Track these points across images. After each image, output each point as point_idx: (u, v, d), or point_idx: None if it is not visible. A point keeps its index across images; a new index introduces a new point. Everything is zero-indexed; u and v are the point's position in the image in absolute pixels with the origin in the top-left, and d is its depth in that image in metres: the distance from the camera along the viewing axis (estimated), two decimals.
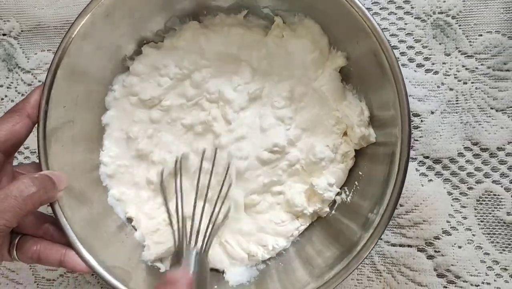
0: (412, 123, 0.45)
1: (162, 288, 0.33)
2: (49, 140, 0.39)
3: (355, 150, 0.44)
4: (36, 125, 0.39)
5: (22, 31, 0.52)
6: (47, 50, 0.52)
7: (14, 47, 0.53)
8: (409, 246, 0.46)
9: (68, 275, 0.51)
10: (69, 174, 0.40)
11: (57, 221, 0.39)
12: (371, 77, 0.40)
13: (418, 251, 0.46)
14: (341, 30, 0.42)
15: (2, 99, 0.53)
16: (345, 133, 0.45)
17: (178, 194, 0.41)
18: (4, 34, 0.53)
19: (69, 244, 0.39)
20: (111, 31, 0.42)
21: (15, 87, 0.53)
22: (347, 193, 0.44)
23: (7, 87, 0.53)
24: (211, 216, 0.41)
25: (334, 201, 0.45)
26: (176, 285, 0.32)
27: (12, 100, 0.53)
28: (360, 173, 0.44)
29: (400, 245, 0.46)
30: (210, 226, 0.40)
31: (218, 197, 0.42)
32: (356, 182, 0.44)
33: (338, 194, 0.45)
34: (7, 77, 0.53)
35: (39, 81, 0.52)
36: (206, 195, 0.41)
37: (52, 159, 0.39)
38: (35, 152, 0.52)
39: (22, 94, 0.52)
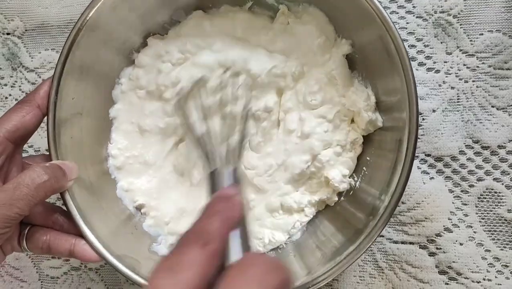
0: None
1: (218, 203, 0.29)
2: (58, 131, 0.40)
3: (363, 137, 0.44)
4: (46, 116, 0.40)
5: (26, 30, 0.53)
6: (51, 49, 0.52)
7: (18, 46, 0.53)
8: (411, 243, 0.46)
9: (72, 273, 0.52)
10: (78, 165, 0.40)
11: (67, 210, 0.39)
12: (377, 62, 0.40)
13: (420, 248, 0.46)
14: (346, 17, 0.42)
15: (7, 98, 0.53)
16: (352, 121, 0.45)
17: (202, 112, 0.41)
18: (8, 33, 0.53)
19: (79, 234, 0.39)
20: (117, 24, 0.42)
21: (19, 86, 0.53)
22: (356, 178, 0.44)
23: (11, 86, 0.53)
24: (237, 133, 0.40)
25: None
26: (230, 201, 0.29)
27: (16, 99, 0.53)
28: (368, 158, 0.44)
29: (402, 242, 0.47)
30: (237, 141, 0.39)
31: (244, 110, 0.42)
32: (364, 168, 0.44)
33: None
34: (11, 76, 0.53)
35: (43, 80, 0.52)
36: (227, 112, 0.41)
37: (61, 150, 0.40)
38: (39, 150, 0.53)
39: (26, 93, 0.52)
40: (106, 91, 0.46)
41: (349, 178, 0.44)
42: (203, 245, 0.25)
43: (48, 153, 0.40)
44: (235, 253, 0.29)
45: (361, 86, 0.43)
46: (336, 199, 0.45)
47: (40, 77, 0.53)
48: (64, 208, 0.40)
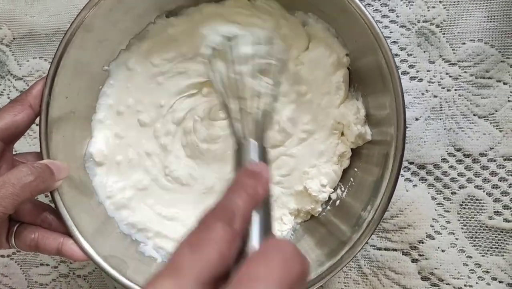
0: None
1: (245, 178, 0.28)
2: (50, 130, 0.40)
3: (352, 150, 0.45)
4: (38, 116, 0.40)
5: (14, 38, 0.53)
6: (39, 57, 0.53)
7: (6, 54, 0.53)
8: (394, 250, 0.47)
9: (60, 280, 0.52)
10: (69, 164, 0.40)
11: (56, 209, 0.40)
12: (369, 76, 0.41)
13: (402, 254, 0.47)
14: (341, 30, 0.42)
15: None
16: (341, 134, 0.45)
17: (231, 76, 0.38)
18: None
19: (67, 233, 0.40)
20: (113, 26, 0.43)
21: (7, 94, 0.53)
22: (343, 189, 0.45)
23: None
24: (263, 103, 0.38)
25: (329, 198, 0.45)
26: (257, 177, 0.28)
27: None
28: (356, 169, 0.44)
29: (386, 249, 0.47)
30: (261, 112, 0.37)
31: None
32: (351, 178, 0.44)
33: (333, 190, 0.45)
34: None
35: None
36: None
37: (53, 149, 0.40)
38: None
39: None
40: (100, 90, 0.46)
41: (336, 188, 0.45)
42: (228, 224, 0.24)
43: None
44: (255, 235, 0.27)
45: (352, 99, 0.44)
46: (320, 209, 0.45)
47: (28, 85, 0.53)
48: (53, 206, 0.40)
